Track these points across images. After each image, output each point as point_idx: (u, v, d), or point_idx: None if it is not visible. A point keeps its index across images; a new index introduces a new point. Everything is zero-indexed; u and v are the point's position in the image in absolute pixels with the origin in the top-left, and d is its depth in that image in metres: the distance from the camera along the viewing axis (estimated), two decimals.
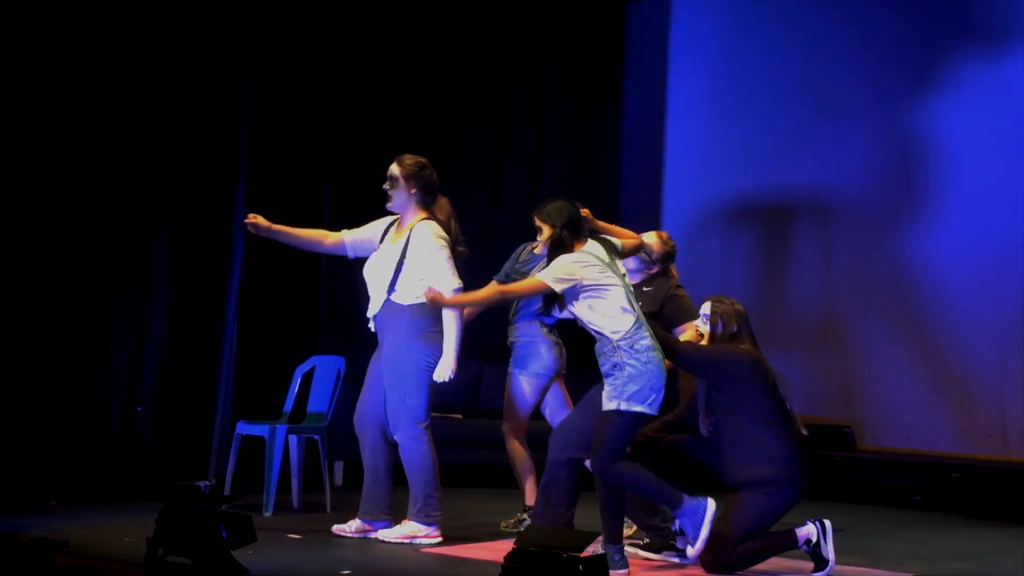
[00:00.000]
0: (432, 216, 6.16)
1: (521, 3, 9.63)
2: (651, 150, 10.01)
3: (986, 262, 8.53)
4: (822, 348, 9.18)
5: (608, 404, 5.31)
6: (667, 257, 6.36)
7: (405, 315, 5.98)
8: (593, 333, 5.42)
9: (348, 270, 7.19)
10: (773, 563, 5.57)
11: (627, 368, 5.28)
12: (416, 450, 6.02)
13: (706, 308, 5.69)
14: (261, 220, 6.18)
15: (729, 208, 9.64)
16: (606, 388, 5.34)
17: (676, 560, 5.70)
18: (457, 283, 5.96)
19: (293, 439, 7.02)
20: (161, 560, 5.04)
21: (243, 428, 7.00)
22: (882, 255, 8.98)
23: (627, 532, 6.01)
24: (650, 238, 6.31)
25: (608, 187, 9.88)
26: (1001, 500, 7.81)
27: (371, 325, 6.20)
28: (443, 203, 6.28)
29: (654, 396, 5.31)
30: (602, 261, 5.46)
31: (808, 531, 5.46)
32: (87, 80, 7.31)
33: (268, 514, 6.67)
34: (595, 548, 5.19)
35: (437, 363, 5.98)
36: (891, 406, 8.83)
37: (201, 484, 6.80)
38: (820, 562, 5.45)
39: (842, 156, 9.18)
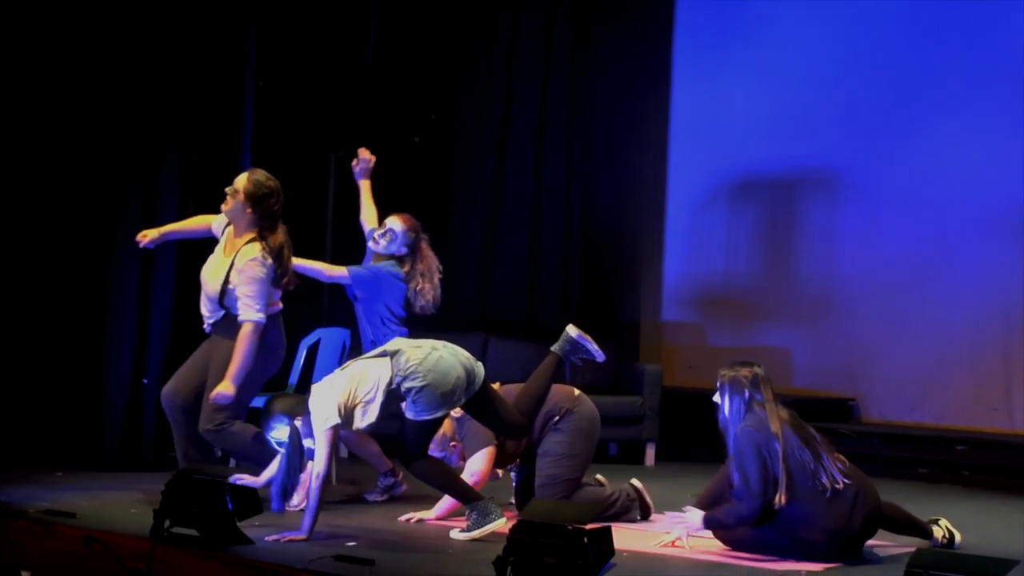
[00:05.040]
0: (263, 237, 5.99)
1: None
2: (657, 121, 9.95)
3: (990, 234, 8.50)
4: (827, 321, 9.15)
5: (406, 412, 5.50)
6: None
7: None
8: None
9: (354, 242, 7.20)
10: None
11: (413, 390, 5.43)
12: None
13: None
14: (150, 233, 6.22)
15: (735, 181, 9.59)
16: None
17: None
18: (258, 316, 5.92)
19: None
20: (167, 531, 5.06)
21: None
22: (887, 228, 8.95)
23: None
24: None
25: (613, 158, 9.84)
26: (1006, 472, 7.81)
27: (206, 326, 6.15)
28: (280, 231, 6.06)
29: (448, 400, 5.49)
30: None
31: None
32: (89, 48, 7.29)
33: None
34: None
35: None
36: (896, 379, 8.81)
37: None
38: None
39: (849, 131, 9.13)
